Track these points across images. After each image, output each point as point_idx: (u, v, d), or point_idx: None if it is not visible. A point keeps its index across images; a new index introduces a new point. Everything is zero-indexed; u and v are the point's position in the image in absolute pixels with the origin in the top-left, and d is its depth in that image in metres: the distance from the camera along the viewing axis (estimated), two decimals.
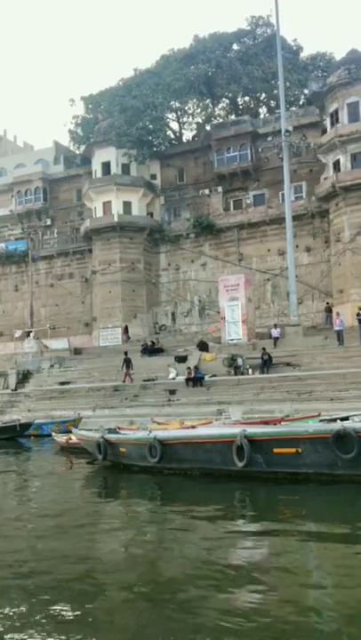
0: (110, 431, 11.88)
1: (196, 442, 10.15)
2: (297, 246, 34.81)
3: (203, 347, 25.13)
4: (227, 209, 37.23)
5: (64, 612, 4.66)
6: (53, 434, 16.23)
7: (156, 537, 7.22)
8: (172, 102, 37.40)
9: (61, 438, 15.54)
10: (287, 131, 25.53)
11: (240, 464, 9.46)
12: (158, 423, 16.09)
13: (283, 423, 11.35)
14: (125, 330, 35.91)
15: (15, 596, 5.14)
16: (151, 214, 39.00)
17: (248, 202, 36.82)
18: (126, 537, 7.10)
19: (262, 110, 43.52)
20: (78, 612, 4.65)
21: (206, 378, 21.85)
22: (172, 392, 21.59)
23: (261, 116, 40.75)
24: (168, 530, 7.46)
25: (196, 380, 21.42)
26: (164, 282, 38.61)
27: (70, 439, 14.33)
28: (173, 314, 38.23)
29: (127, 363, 24.42)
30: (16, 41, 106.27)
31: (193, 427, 11.73)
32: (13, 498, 10.29)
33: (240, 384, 21.05)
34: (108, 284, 37.39)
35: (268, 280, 35.24)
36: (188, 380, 21.57)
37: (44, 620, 4.48)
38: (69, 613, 4.64)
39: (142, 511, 8.56)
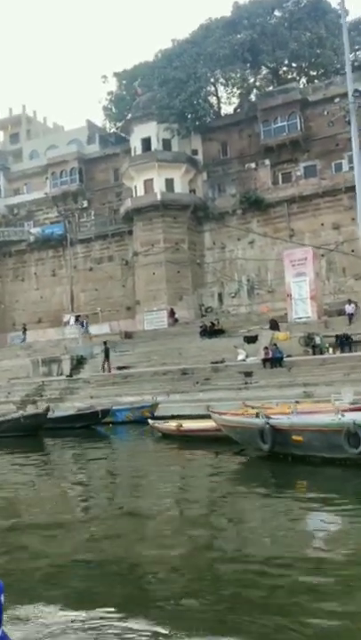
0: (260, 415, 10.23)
1: None
2: (352, 219, 33.11)
3: (274, 326, 23.54)
4: (275, 182, 35.40)
5: None
6: (151, 421, 14.74)
7: None
8: (215, 72, 35.39)
9: (167, 425, 13.88)
10: (356, 90, 23.61)
11: None
12: (252, 407, 14.59)
13: None
14: (171, 313, 34.36)
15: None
16: (194, 191, 37.31)
17: (298, 174, 34.95)
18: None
19: (302, 80, 41.37)
20: None
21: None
22: (248, 374, 20.09)
23: (301, 86, 38.66)
24: None
25: (274, 360, 19.88)
26: (209, 262, 36.97)
27: (181, 426, 12.79)
28: (220, 295, 36.62)
29: (107, 352, 25.01)
30: (35, 20, 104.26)
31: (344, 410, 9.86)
32: (181, 504, 8.15)
33: (325, 364, 19.47)
34: (151, 265, 35.83)
35: (323, 256, 33.35)
36: (265, 360, 20.04)
37: None
38: None
39: None
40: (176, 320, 34.10)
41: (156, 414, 18.31)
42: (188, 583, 4.92)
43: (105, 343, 26.06)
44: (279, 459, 9.51)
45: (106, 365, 24.80)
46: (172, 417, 18.28)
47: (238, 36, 35.34)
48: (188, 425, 12.92)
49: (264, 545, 5.90)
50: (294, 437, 9.08)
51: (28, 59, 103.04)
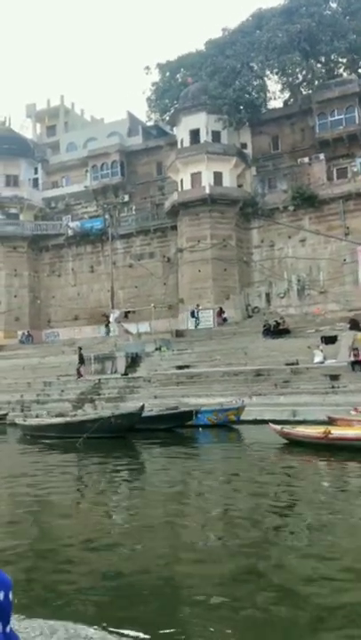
0: None
1: None
2: None
3: (354, 326, 21.97)
4: (330, 178, 33.84)
5: None
6: (273, 425, 13.03)
7: None
8: (270, 61, 33.84)
9: (306, 431, 11.76)
10: None
11: None
12: None
13: None
14: (219, 312, 32.84)
15: None
16: (241, 186, 35.80)
17: (355, 170, 33.35)
18: None
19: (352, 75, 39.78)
20: None
21: None
22: (334, 377, 18.52)
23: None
24: None
25: None
26: (257, 260, 35.44)
27: (330, 432, 11.08)
28: (268, 295, 35.07)
29: (81, 357, 25.05)
30: (73, 12, 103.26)
31: None
32: None
33: None
34: (197, 262, 34.33)
35: None
36: (354, 363, 18.48)
37: None
38: None
39: None
40: (225, 320, 32.62)
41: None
42: None
43: (79, 348, 25.84)
44: None
45: (81, 370, 24.64)
46: (256, 421, 16.90)
47: (298, 21, 33.81)
48: (341, 431, 11.26)
49: None
50: None
51: (67, 50, 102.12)
